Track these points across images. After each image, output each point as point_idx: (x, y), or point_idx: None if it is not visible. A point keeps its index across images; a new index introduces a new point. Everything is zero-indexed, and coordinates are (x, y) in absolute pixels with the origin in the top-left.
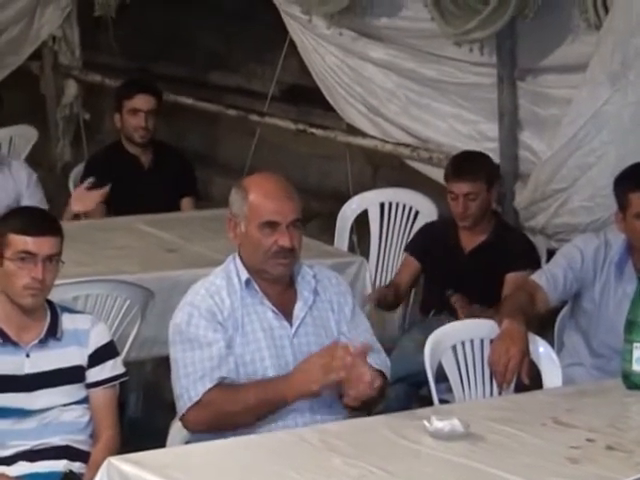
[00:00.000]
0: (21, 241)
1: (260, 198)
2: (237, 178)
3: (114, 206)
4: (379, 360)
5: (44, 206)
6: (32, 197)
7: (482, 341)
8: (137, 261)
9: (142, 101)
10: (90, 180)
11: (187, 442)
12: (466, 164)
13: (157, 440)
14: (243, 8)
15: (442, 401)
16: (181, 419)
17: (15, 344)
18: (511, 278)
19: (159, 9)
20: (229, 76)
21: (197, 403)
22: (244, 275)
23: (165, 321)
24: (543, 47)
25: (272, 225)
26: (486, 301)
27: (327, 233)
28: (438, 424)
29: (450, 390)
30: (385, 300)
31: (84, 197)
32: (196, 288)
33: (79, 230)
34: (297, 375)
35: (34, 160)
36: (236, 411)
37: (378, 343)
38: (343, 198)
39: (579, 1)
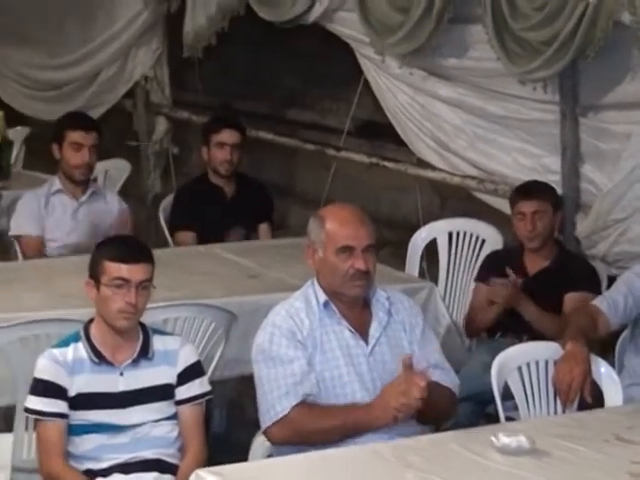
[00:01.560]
0: (116, 268)
1: (336, 225)
2: (313, 209)
3: (199, 233)
4: (448, 378)
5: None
6: (124, 227)
7: (546, 362)
8: (221, 286)
9: (228, 135)
10: None
11: (269, 456)
12: (534, 185)
13: (239, 454)
14: (320, 49)
15: (508, 418)
16: (265, 432)
17: (110, 364)
18: (571, 297)
19: (242, 50)
20: (306, 112)
21: (282, 418)
22: (322, 298)
23: (247, 342)
24: (604, 85)
25: (348, 250)
26: None
27: (398, 260)
28: (505, 440)
29: (516, 408)
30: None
31: None
32: (277, 310)
33: (168, 257)
34: (378, 405)
35: (126, 192)
36: (319, 430)
37: (447, 363)
38: (413, 227)
39: (638, 41)
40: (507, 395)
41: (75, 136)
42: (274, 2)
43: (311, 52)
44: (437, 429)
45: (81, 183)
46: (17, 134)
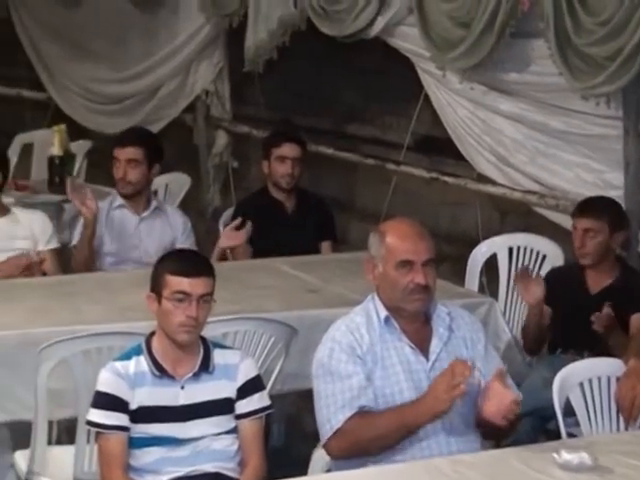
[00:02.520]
0: (177, 282)
1: (396, 240)
2: (373, 223)
3: (259, 247)
4: None
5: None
6: (186, 242)
7: (609, 378)
8: (280, 300)
9: (289, 149)
10: (238, 220)
11: (327, 470)
12: (592, 203)
13: (299, 468)
14: (380, 65)
15: (570, 435)
16: (324, 447)
17: (171, 377)
18: (637, 319)
19: (303, 65)
20: (366, 127)
21: (338, 431)
22: (383, 313)
23: (307, 357)
24: None
25: (408, 264)
26: None
27: (457, 275)
28: (567, 456)
29: (577, 424)
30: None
31: (232, 235)
32: (337, 325)
33: (227, 271)
34: (426, 398)
35: (186, 205)
36: (374, 436)
37: (510, 379)
38: (472, 242)
39: None
40: (568, 411)
41: (114, 152)
42: (335, 17)
43: (371, 67)
44: (497, 445)
45: (136, 197)
46: (80, 147)
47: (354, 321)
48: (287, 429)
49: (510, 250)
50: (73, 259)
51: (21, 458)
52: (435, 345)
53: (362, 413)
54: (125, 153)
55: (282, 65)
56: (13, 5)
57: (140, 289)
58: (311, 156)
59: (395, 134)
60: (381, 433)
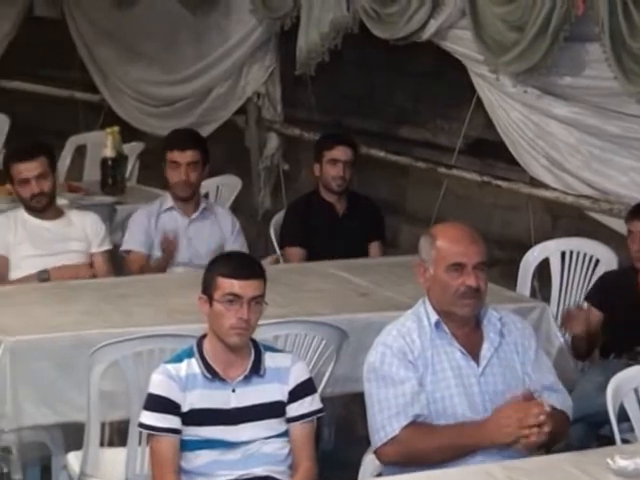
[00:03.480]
0: (228, 284)
1: (447, 242)
2: (424, 227)
3: (310, 250)
4: (562, 401)
5: (245, 251)
6: (235, 243)
7: None
8: (331, 303)
9: (341, 152)
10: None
11: (378, 475)
12: None
13: (349, 472)
14: (432, 68)
15: (624, 441)
16: (375, 452)
17: (222, 380)
18: None
19: (354, 68)
20: (418, 130)
21: (392, 439)
22: (434, 317)
23: (357, 360)
24: None
25: (459, 267)
26: None
27: (508, 280)
28: (622, 463)
29: (631, 430)
30: (579, 350)
31: None
32: (388, 329)
33: (279, 274)
34: (492, 424)
35: (237, 208)
36: (429, 450)
37: (561, 384)
38: (523, 246)
39: None
40: (622, 417)
41: (172, 155)
42: (388, 20)
43: (423, 70)
44: (548, 451)
45: (188, 200)
46: (132, 149)
47: (405, 325)
48: (337, 432)
49: (563, 254)
50: (128, 265)
51: (74, 459)
52: (486, 350)
53: (418, 423)
54: (186, 156)
55: (334, 68)
56: (67, 7)
57: (191, 291)
58: (362, 159)
59: (446, 137)
60: (437, 447)
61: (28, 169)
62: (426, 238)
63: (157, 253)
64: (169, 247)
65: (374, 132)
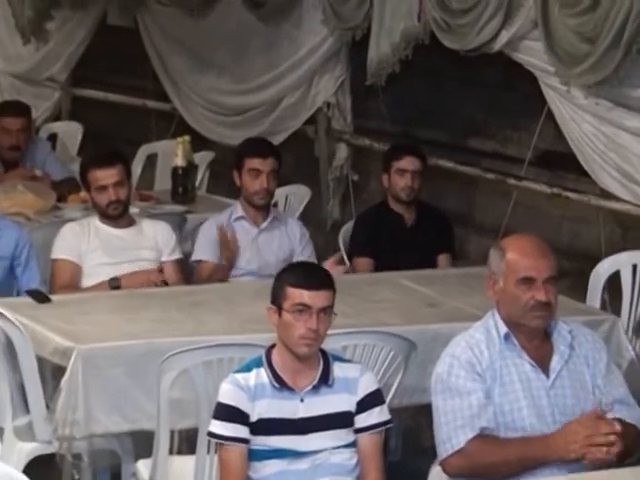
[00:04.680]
0: (298, 294)
1: (517, 256)
2: (492, 238)
3: (378, 260)
4: (632, 414)
5: (314, 261)
6: (304, 253)
7: None
8: (399, 314)
9: (409, 162)
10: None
11: None
12: None
13: None
14: (502, 79)
15: None
16: (441, 464)
17: (291, 389)
18: None
19: (424, 79)
20: (487, 142)
21: (459, 451)
22: (503, 329)
23: (425, 371)
24: None
25: (528, 281)
26: None
27: (577, 292)
28: None
29: None
30: None
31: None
32: (457, 340)
33: (347, 284)
34: (559, 439)
35: (306, 217)
36: (495, 463)
37: (632, 398)
38: (593, 258)
39: None
40: None
41: (253, 163)
42: (459, 31)
43: (493, 81)
44: (619, 465)
45: (262, 209)
46: (202, 158)
47: (474, 337)
48: (404, 443)
49: (634, 267)
50: (200, 275)
51: (143, 467)
52: (556, 362)
53: (485, 436)
54: (268, 164)
55: (404, 78)
56: (140, 16)
57: (260, 301)
58: (431, 170)
59: (516, 148)
60: (504, 460)
61: (106, 176)
62: (496, 251)
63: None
64: (228, 253)
65: (443, 143)
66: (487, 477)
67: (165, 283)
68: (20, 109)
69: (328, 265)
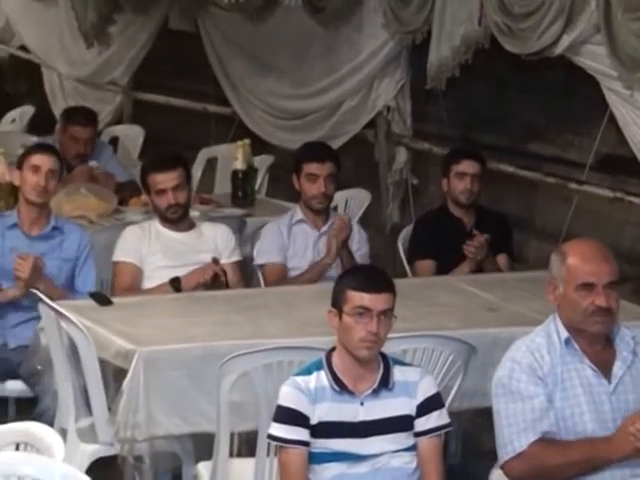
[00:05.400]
0: (358, 297)
1: (577, 261)
2: (553, 243)
3: (438, 264)
4: None
5: (366, 261)
6: (360, 252)
7: None
8: (459, 318)
9: (468, 166)
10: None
11: None
12: None
13: None
14: (563, 83)
15: None
16: (502, 467)
17: (351, 393)
18: None
19: (484, 82)
20: (548, 146)
21: (520, 454)
22: (564, 334)
23: (485, 375)
24: None
25: (588, 286)
26: None
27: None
28: None
29: None
30: None
31: None
32: (518, 345)
33: (406, 287)
34: (621, 436)
35: (365, 221)
36: (559, 466)
37: None
38: None
39: None
40: None
41: (311, 167)
42: (520, 35)
43: (554, 85)
44: None
45: (321, 213)
46: (262, 162)
47: (535, 342)
48: (463, 447)
49: None
50: (266, 277)
51: (204, 469)
52: (618, 368)
53: (547, 439)
54: (325, 168)
55: (464, 82)
56: (201, 21)
57: (320, 304)
58: (491, 174)
59: (577, 153)
60: (567, 462)
61: (166, 180)
62: (557, 255)
63: (290, 264)
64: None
65: (503, 147)
66: (551, 479)
67: (224, 272)
68: (89, 118)
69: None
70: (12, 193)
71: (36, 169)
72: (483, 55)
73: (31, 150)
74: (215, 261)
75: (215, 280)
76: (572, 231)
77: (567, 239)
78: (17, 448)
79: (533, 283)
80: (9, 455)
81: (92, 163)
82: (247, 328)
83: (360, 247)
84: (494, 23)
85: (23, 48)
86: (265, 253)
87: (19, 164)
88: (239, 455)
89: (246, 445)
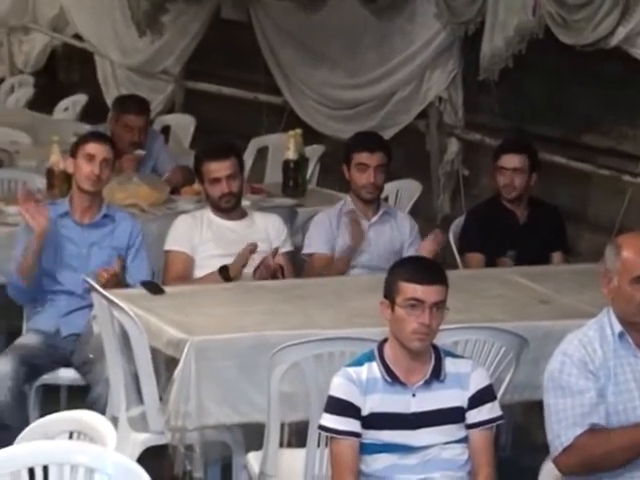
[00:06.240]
0: (411, 289)
1: (632, 254)
2: (606, 235)
3: (489, 256)
4: None
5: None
6: (413, 246)
7: None
8: (510, 310)
9: (508, 160)
10: None
11: None
12: None
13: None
14: (618, 74)
15: None
16: (553, 462)
17: (403, 384)
18: None
19: (538, 74)
20: (602, 138)
21: (568, 448)
22: (617, 328)
23: (537, 368)
24: None
25: None
26: None
27: None
28: None
29: None
30: None
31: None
32: (570, 338)
33: (457, 279)
34: None
35: (415, 212)
36: (604, 454)
37: None
38: None
39: None
40: None
41: (361, 157)
42: (575, 26)
43: (608, 76)
44: None
45: (371, 203)
46: (313, 152)
47: (587, 335)
48: (514, 439)
49: None
50: (311, 267)
51: (254, 459)
52: None
53: (593, 430)
54: (375, 159)
55: (517, 73)
56: (254, 10)
57: (370, 294)
58: (544, 165)
59: (632, 145)
60: (613, 450)
61: (220, 169)
62: (612, 248)
63: (338, 253)
64: (357, 237)
65: (556, 138)
66: (601, 469)
67: (281, 268)
68: (142, 107)
69: (428, 243)
70: (66, 181)
71: (90, 158)
72: (536, 46)
73: (86, 139)
74: (275, 252)
75: (273, 277)
76: (626, 224)
77: (620, 232)
78: (70, 436)
79: (585, 276)
80: (63, 444)
81: (138, 152)
82: (297, 318)
83: (413, 242)
84: (548, 14)
85: (77, 36)
86: (313, 244)
87: (73, 152)
88: (289, 445)
89: (296, 435)
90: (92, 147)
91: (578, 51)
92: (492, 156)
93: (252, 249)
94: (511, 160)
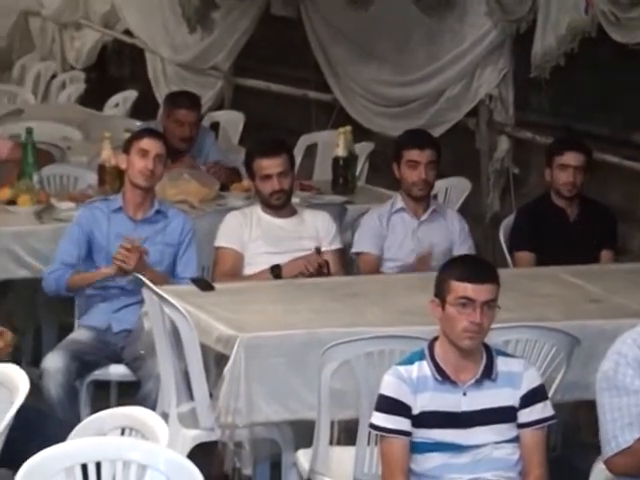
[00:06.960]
0: (462, 287)
1: None
2: None
3: (539, 254)
4: None
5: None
6: (464, 245)
7: None
8: (561, 309)
9: (571, 157)
10: None
11: None
12: None
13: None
14: None
15: None
16: (606, 462)
17: (453, 383)
18: None
19: (589, 72)
20: None
21: (625, 450)
22: None
23: (588, 367)
24: None
25: None
26: None
27: None
28: None
29: None
30: None
31: None
32: (623, 338)
33: (507, 277)
34: None
35: (465, 210)
36: None
37: None
38: None
39: None
40: None
41: (411, 154)
42: (628, 24)
43: None
44: None
45: (421, 200)
46: (362, 149)
47: None
48: (564, 439)
49: None
50: (361, 267)
51: (303, 457)
52: None
53: None
54: (426, 155)
55: (568, 71)
56: (304, 6)
57: (420, 293)
58: (595, 164)
59: None
60: None
61: (271, 165)
62: None
63: (388, 254)
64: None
65: (608, 137)
66: None
67: (327, 263)
68: (193, 102)
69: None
70: (117, 177)
71: (144, 153)
72: (588, 44)
73: (140, 134)
74: (318, 251)
75: (318, 272)
76: None
77: None
78: (122, 433)
79: (637, 274)
80: (117, 440)
81: (188, 157)
82: (347, 316)
83: (464, 240)
84: (601, 12)
85: (127, 33)
86: (361, 242)
87: (126, 148)
88: (338, 443)
89: (345, 433)
90: (146, 143)
91: (630, 49)
92: (546, 154)
93: (314, 264)
94: (574, 158)
